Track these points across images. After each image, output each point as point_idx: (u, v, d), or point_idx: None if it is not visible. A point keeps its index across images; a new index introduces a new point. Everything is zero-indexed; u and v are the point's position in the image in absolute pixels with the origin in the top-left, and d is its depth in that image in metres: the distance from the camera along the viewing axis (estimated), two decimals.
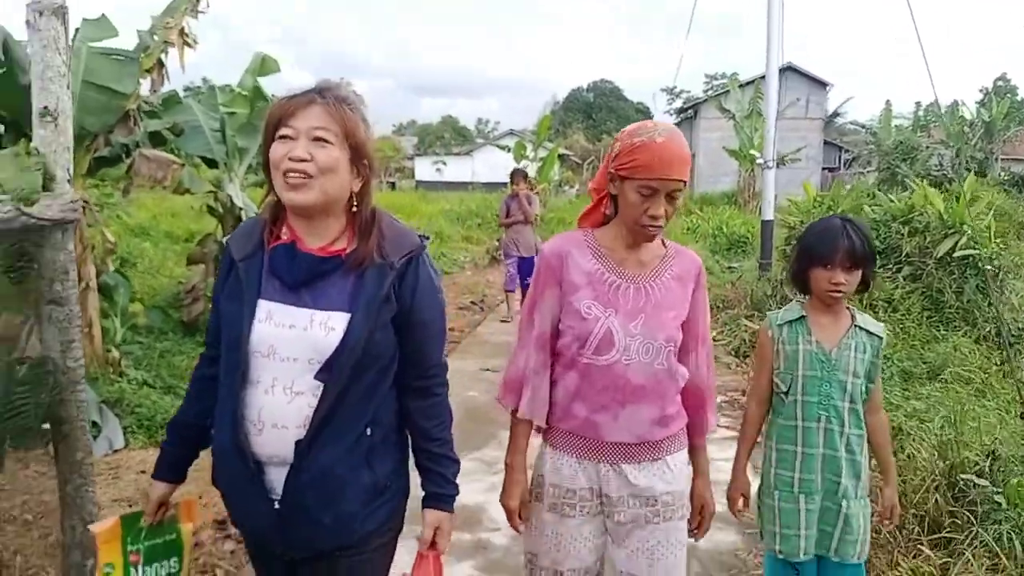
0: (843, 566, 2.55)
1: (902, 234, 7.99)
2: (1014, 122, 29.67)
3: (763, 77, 11.18)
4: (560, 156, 24.73)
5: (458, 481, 1.99)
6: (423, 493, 1.98)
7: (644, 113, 76.84)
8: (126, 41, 6.07)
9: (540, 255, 2.21)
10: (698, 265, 2.22)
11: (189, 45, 5.48)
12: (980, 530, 3.14)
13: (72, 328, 2.39)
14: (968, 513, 3.31)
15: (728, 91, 29.09)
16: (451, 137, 78.84)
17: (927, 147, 27.14)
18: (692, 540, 2.27)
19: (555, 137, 31.00)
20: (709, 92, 48.70)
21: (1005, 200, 18.30)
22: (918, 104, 31.92)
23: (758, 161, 10.19)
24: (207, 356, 2.01)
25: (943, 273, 7.59)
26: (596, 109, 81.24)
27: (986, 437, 3.93)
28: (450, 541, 1.99)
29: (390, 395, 1.90)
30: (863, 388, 2.53)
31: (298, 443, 1.75)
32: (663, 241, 2.21)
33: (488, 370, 7.44)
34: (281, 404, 1.76)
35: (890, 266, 7.92)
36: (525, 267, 9.46)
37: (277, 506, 1.79)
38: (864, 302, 7.39)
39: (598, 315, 2.09)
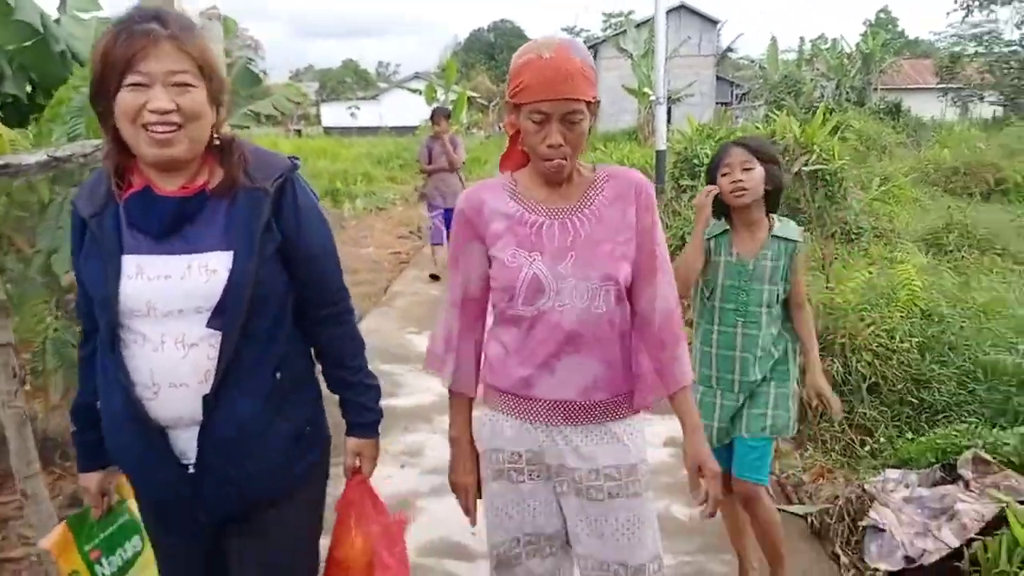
0: (745, 442, 2.69)
1: None
2: (890, 53, 32.19)
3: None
4: (467, 99, 25.67)
5: (379, 405, 1.94)
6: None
7: None
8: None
9: (456, 208, 1.98)
10: (638, 182, 1.91)
11: None
12: None
13: None
14: None
15: (625, 31, 30.59)
16: (353, 81, 78.35)
17: (811, 80, 29.32)
18: (701, 514, 1.93)
19: (460, 79, 31.85)
20: (608, 31, 50.04)
21: (873, 126, 20.48)
22: (802, 39, 33.90)
23: (651, 98, 11.69)
24: (86, 331, 1.86)
25: (799, 185, 9.33)
26: (498, 50, 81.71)
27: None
28: (375, 466, 1.94)
29: (294, 334, 1.78)
30: (780, 291, 2.67)
31: (205, 398, 1.62)
32: (594, 166, 1.96)
33: (437, 278, 8.64)
34: (175, 360, 1.61)
35: None
36: (451, 217, 8.60)
37: (191, 470, 1.66)
38: None
39: (522, 261, 1.86)
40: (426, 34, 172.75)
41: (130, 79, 1.52)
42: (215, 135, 1.66)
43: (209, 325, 1.61)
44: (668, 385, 1.92)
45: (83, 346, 1.87)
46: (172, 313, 1.61)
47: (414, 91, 26.47)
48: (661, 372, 1.92)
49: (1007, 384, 4.20)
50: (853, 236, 9.10)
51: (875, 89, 30.61)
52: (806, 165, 9.29)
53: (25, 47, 5.84)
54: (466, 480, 2.04)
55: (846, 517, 3.25)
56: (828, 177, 9.43)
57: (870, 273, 5.00)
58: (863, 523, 3.15)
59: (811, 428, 4.27)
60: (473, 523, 2.06)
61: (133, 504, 2.02)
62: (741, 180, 2.60)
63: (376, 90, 58.58)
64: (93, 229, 1.66)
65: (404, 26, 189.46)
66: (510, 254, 1.87)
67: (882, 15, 66.50)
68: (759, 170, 2.62)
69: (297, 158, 1.78)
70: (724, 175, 2.65)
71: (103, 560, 2.02)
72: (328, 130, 45.07)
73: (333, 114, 50.07)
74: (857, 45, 31.20)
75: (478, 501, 2.06)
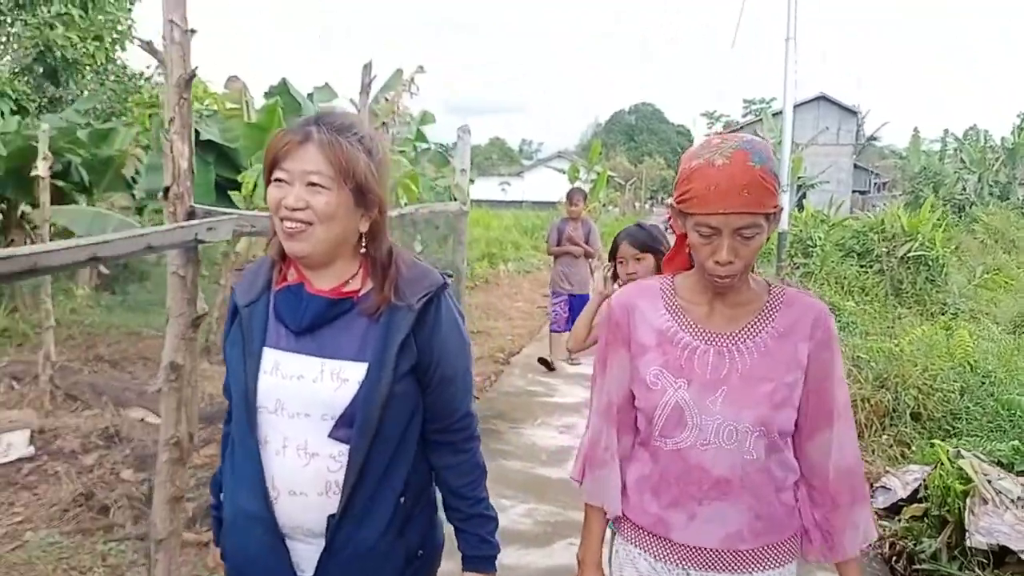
0: None
1: (875, 240, 11.09)
2: None
3: (797, 106, 13.95)
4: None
5: (497, 538, 1.80)
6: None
7: (684, 135, 79.91)
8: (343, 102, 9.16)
9: (607, 307, 1.84)
10: (817, 314, 1.69)
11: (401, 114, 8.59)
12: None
13: None
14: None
15: (762, 119, 31.96)
16: (498, 157, 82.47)
17: (954, 172, 29.73)
18: None
19: (600, 159, 34.02)
20: (748, 116, 51.41)
21: (1003, 220, 21.08)
22: (946, 131, 34.19)
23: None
24: (229, 411, 1.82)
25: (903, 268, 10.58)
26: (637, 131, 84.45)
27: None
28: None
29: (419, 452, 1.72)
30: None
31: (330, 518, 1.59)
32: (769, 285, 1.74)
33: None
34: (296, 468, 1.58)
35: (865, 264, 11.02)
36: (577, 304, 7.76)
37: None
38: (844, 288, 10.47)
39: (666, 386, 1.68)
40: (568, 112, 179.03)
41: (276, 174, 1.57)
42: (363, 243, 1.64)
43: (332, 435, 1.58)
44: (836, 552, 1.73)
45: (227, 423, 1.85)
46: (299, 416, 1.59)
47: (559, 170, 28.46)
48: (831, 534, 1.73)
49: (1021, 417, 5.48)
50: (951, 315, 10.22)
51: (1021, 183, 30.56)
52: (910, 251, 10.55)
53: None
54: None
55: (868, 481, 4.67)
56: (930, 263, 10.65)
57: (923, 331, 6.35)
58: (876, 484, 4.56)
59: (864, 440, 5.65)
60: None
61: None
62: (634, 272, 2.98)
63: (520, 167, 61.86)
64: (243, 317, 1.68)
65: (546, 104, 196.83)
66: (653, 374, 1.70)
67: None
68: (649, 259, 2.99)
69: (450, 274, 1.77)
70: (620, 264, 3.06)
71: None
72: (477, 202, 48.05)
73: (481, 187, 53.35)
74: (1002, 139, 31.33)
75: None
